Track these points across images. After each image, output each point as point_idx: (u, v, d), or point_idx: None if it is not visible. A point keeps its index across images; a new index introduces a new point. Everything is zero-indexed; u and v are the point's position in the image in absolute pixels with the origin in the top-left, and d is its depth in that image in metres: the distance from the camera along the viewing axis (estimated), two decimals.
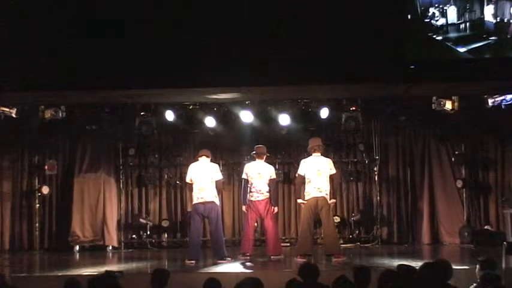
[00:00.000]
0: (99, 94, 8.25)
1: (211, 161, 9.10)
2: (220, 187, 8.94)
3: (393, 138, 11.30)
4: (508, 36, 7.34)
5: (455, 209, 10.97)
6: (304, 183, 8.80)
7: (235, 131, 10.96)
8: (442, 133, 11.07)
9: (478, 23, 7.35)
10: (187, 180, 8.95)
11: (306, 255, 8.53)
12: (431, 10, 7.38)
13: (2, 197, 11.15)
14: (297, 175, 9.01)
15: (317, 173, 8.68)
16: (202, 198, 8.72)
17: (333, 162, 9.08)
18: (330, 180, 8.75)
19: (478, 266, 5.17)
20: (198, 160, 9.03)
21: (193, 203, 8.80)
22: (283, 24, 7.34)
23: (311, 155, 8.90)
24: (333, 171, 8.83)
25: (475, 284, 5.02)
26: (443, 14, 7.37)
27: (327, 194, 8.69)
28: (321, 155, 8.88)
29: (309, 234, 8.76)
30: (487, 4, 7.33)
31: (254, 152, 9.10)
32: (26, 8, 7.48)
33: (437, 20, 7.37)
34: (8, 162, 11.23)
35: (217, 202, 8.85)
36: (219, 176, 8.93)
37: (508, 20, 7.35)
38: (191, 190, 8.84)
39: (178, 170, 11.32)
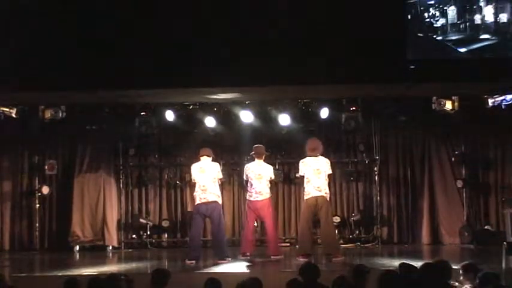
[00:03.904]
0: (99, 94, 8.25)
1: (213, 159, 9.11)
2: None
3: (393, 138, 11.29)
4: (508, 36, 7.34)
5: (455, 209, 10.96)
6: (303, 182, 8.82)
7: (235, 131, 10.96)
8: (442, 133, 11.07)
9: (478, 23, 7.35)
10: (192, 180, 8.98)
11: (306, 254, 8.53)
12: (431, 10, 7.38)
13: (2, 197, 11.15)
14: (299, 176, 9.04)
15: (316, 172, 8.69)
16: (205, 198, 8.72)
17: (333, 162, 9.08)
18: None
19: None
20: (199, 160, 9.03)
21: (196, 203, 8.81)
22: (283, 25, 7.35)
23: (309, 155, 8.91)
24: (330, 171, 8.85)
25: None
26: (443, 14, 7.38)
27: (326, 193, 8.70)
28: (319, 154, 8.88)
29: (309, 234, 8.77)
30: (487, 4, 7.33)
31: (253, 152, 9.10)
32: (26, 8, 7.49)
33: (437, 20, 7.38)
34: (8, 162, 11.23)
35: (220, 202, 8.87)
36: (220, 176, 8.96)
37: (508, 20, 7.35)
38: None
39: (178, 170, 11.32)
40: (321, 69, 7.39)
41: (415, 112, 10.58)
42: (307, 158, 8.86)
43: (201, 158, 9.01)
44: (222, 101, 9.51)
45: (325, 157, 9.00)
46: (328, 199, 8.75)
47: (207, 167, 8.87)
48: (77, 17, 7.44)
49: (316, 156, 8.83)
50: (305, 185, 8.76)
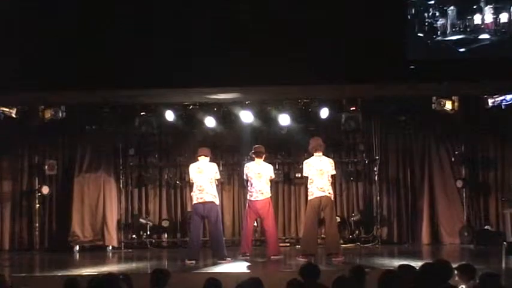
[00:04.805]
0: (99, 94, 8.24)
1: (211, 160, 9.11)
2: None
3: (393, 138, 11.29)
4: (508, 36, 7.33)
5: (455, 209, 10.96)
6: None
7: (235, 131, 10.96)
8: (442, 133, 11.06)
9: (478, 23, 7.34)
10: (191, 180, 8.98)
11: (308, 254, 8.53)
12: (431, 10, 7.38)
13: (2, 197, 11.14)
14: (301, 176, 9.05)
15: (319, 172, 8.70)
16: (201, 198, 8.73)
17: (333, 162, 9.10)
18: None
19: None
20: (197, 160, 9.03)
21: (193, 203, 8.82)
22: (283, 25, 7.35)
23: (312, 155, 8.90)
24: (334, 171, 8.86)
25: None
26: (443, 14, 7.37)
27: (329, 193, 8.71)
28: (322, 154, 8.89)
29: (313, 234, 8.78)
30: (487, 4, 7.33)
31: (253, 152, 9.10)
32: (26, 7, 7.49)
33: (437, 20, 7.37)
34: (8, 162, 11.23)
35: (217, 202, 8.87)
36: (217, 176, 8.96)
37: (508, 20, 7.35)
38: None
39: (178, 170, 11.32)
40: (320, 69, 7.38)
41: (415, 112, 10.58)
42: (311, 159, 8.86)
43: (199, 158, 9.01)
44: (222, 101, 9.52)
45: (326, 157, 9.01)
46: (332, 199, 8.78)
47: (204, 168, 8.87)
48: (77, 17, 7.44)
49: (320, 156, 8.83)
50: (309, 185, 8.77)
